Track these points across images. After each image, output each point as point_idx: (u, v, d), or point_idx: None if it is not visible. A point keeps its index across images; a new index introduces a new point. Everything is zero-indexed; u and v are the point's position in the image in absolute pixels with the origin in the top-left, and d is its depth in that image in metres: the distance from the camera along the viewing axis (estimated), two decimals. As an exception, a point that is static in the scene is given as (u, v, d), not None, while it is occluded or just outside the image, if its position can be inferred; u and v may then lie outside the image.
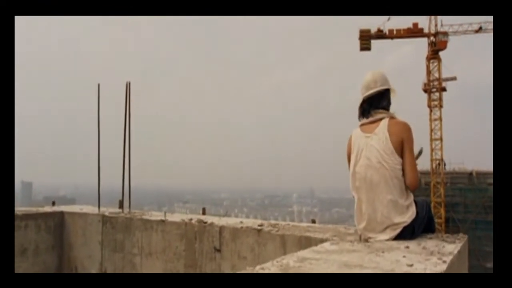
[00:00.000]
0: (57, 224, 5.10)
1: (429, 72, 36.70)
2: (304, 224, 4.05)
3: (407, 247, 2.81)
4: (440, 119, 36.54)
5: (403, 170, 3.13)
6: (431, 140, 36.79)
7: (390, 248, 2.77)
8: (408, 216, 3.08)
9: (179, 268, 4.12)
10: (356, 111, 3.43)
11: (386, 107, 3.29)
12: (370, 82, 3.32)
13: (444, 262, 2.45)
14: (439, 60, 36.38)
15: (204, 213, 5.95)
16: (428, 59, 36.62)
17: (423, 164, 38.32)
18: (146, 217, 4.52)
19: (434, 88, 36.71)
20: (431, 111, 36.84)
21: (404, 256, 2.51)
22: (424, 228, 3.34)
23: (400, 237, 3.07)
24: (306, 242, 3.36)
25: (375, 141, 3.15)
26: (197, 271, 3.98)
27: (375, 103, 3.29)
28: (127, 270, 4.49)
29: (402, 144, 3.12)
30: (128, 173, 5.22)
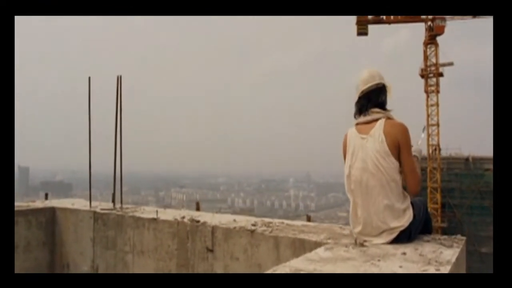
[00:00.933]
0: (48, 220, 5.02)
1: (426, 57, 36.49)
2: (299, 223, 3.98)
3: (404, 253, 2.74)
4: (437, 104, 36.45)
5: (401, 173, 3.05)
6: (428, 125, 36.73)
7: (386, 255, 2.70)
8: (405, 220, 3.01)
9: (171, 267, 4.05)
10: (351, 107, 3.32)
11: (384, 104, 3.19)
12: (368, 77, 3.22)
13: (442, 273, 2.37)
14: (436, 45, 36.14)
15: (198, 208, 5.89)
16: (425, 44, 36.37)
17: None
18: (138, 214, 4.43)
19: (431, 74, 36.54)
20: (428, 96, 36.73)
21: (400, 266, 2.44)
22: (421, 229, 3.27)
23: (396, 240, 3.00)
24: (300, 245, 3.29)
25: (371, 143, 3.05)
26: (190, 271, 3.91)
27: (374, 98, 3.18)
28: (119, 268, 4.43)
29: (399, 146, 3.03)
30: (120, 165, 5.12)
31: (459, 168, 37.27)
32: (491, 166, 33.70)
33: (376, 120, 3.12)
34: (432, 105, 36.53)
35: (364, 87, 3.19)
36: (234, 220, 4.10)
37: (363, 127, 3.16)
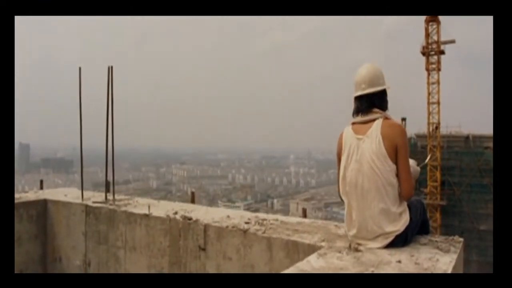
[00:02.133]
0: (40, 213, 4.93)
1: (427, 35, 35.95)
2: (294, 220, 3.89)
3: (399, 261, 2.66)
4: (438, 82, 36.11)
5: (397, 176, 2.93)
6: (428, 103, 36.50)
7: (381, 264, 2.61)
8: (401, 224, 2.91)
9: (164, 264, 3.98)
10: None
11: (386, 107, 3.06)
12: (373, 78, 3.05)
13: None
14: (438, 22, 35.56)
15: (193, 199, 5.81)
16: (427, 21, 35.78)
17: (420, 128, 38.27)
18: (130, 209, 4.34)
19: (432, 51, 36.08)
20: (429, 74, 36.35)
21: (394, 280, 2.35)
22: (419, 230, 3.18)
23: (392, 245, 2.92)
24: (293, 247, 3.20)
25: (367, 144, 2.93)
26: (182, 269, 3.84)
27: (378, 102, 3.04)
28: (111, 263, 4.36)
29: (396, 149, 2.91)
30: (112, 156, 5.01)
31: (459, 146, 37.21)
32: (491, 144, 33.64)
33: (374, 120, 2.99)
34: (433, 83, 36.20)
35: (368, 89, 3.03)
36: (228, 217, 4.01)
37: (360, 126, 3.03)
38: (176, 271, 3.89)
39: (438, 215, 36.45)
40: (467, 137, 36.98)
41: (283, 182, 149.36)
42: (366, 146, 2.93)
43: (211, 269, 3.66)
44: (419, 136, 38.84)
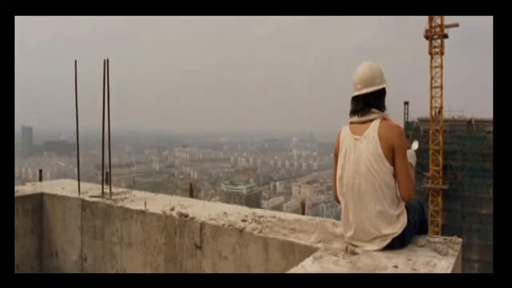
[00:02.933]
0: (36, 207, 4.89)
1: (431, 19, 35.52)
2: (291, 217, 3.83)
3: (396, 266, 2.60)
4: (441, 66, 35.82)
5: (395, 177, 2.86)
6: (431, 87, 36.26)
7: (377, 269, 2.56)
8: (398, 227, 2.85)
9: (160, 261, 3.94)
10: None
11: (383, 107, 2.97)
12: (369, 79, 2.95)
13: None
14: (443, 4, 35.10)
15: (191, 191, 5.76)
16: (432, 3, 35.31)
17: (423, 112, 38.06)
18: (126, 205, 4.28)
19: (435, 35, 35.69)
20: (432, 58, 36.04)
21: None
22: (417, 230, 3.13)
23: (389, 247, 2.86)
24: (289, 248, 3.15)
25: (364, 145, 2.85)
26: (178, 267, 3.81)
27: (374, 102, 2.95)
28: (107, 259, 4.33)
29: (393, 150, 2.83)
30: (109, 149, 4.95)
31: (462, 131, 37.08)
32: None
33: (371, 120, 2.91)
34: (436, 67, 35.92)
35: (364, 90, 2.94)
36: (225, 213, 3.96)
37: (357, 126, 2.95)
38: (172, 269, 3.85)
39: (439, 199, 36.51)
40: (469, 121, 36.83)
41: (286, 165, 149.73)
42: (363, 147, 2.86)
43: (207, 267, 3.63)
44: (421, 120, 38.69)
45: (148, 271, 4.03)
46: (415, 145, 3.52)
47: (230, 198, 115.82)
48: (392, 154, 2.83)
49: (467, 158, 36.17)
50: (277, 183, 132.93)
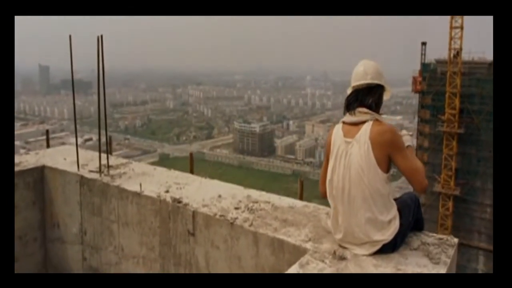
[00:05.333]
0: (37, 180, 4.92)
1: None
2: (286, 203, 3.78)
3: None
4: (463, 4, 34.16)
5: (387, 183, 2.76)
6: (451, 28, 34.87)
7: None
8: (389, 233, 2.79)
9: (155, 243, 3.98)
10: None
11: (373, 106, 2.81)
12: (360, 74, 2.86)
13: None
14: None
15: (191, 164, 5.71)
16: None
17: (441, 53, 36.90)
18: (122, 185, 4.27)
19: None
20: (454, -4, 34.33)
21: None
22: (412, 227, 3.07)
23: (380, 251, 2.82)
24: (279, 245, 3.14)
25: (355, 150, 2.74)
26: (172, 250, 3.85)
27: (361, 97, 2.83)
28: (106, 235, 4.39)
29: (388, 155, 2.72)
30: (105, 127, 4.89)
31: (481, 73, 35.91)
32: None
33: (364, 122, 2.78)
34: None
35: (353, 83, 2.83)
36: (219, 196, 3.94)
37: (349, 128, 2.83)
38: (166, 252, 3.90)
39: (454, 143, 36.16)
40: (490, 64, 35.62)
41: (299, 103, 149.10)
42: (354, 152, 2.75)
43: (199, 254, 3.65)
44: (439, 62, 37.56)
45: (144, 251, 4.08)
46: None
47: (243, 136, 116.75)
48: (387, 160, 2.74)
49: (485, 102, 35.29)
50: (291, 122, 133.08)
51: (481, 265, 34.92)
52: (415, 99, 47.66)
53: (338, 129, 2.89)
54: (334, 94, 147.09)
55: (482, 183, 34.06)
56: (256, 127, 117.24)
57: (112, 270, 4.36)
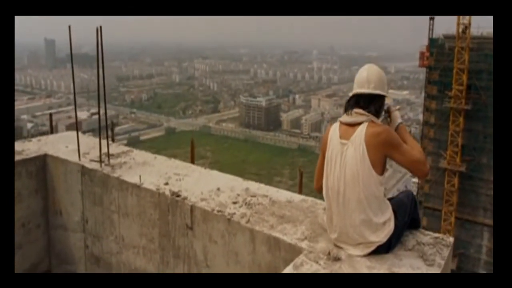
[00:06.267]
0: (39, 168, 4.96)
1: None
2: (284, 197, 3.80)
3: (374, 281, 2.58)
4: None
5: (382, 185, 2.77)
6: (461, 2, 34.11)
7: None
8: (383, 235, 2.81)
9: (154, 235, 4.03)
10: None
11: (373, 113, 2.81)
12: (363, 81, 2.86)
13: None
14: None
15: (192, 153, 5.71)
16: None
17: (449, 28, 36.24)
18: (122, 177, 4.30)
19: None
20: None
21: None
22: (408, 226, 3.09)
23: (374, 253, 2.84)
24: (275, 243, 3.17)
25: (351, 151, 2.74)
26: (171, 243, 3.90)
27: (363, 104, 2.83)
28: (107, 225, 4.45)
29: (384, 156, 2.73)
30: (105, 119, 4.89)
31: (490, 49, 35.27)
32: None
33: (359, 123, 2.77)
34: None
35: (355, 89, 2.86)
36: (218, 189, 3.96)
37: (346, 129, 2.83)
38: (165, 243, 3.95)
39: (461, 119, 35.87)
40: (499, 39, 34.96)
41: (305, 77, 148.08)
42: (350, 154, 2.75)
43: (198, 248, 3.70)
44: (447, 37, 36.94)
45: (144, 241, 4.14)
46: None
47: (249, 110, 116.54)
48: (383, 161, 2.76)
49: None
50: (297, 96, 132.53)
51: (486, 241, 35.13)
52: (422, 74, 47.13)
53: (335, 129, 2.89)
54: (341, 68, 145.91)
55: (488, 160, 33.92)
56: (262, 101, 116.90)
57: (113, 259, 4.44)
